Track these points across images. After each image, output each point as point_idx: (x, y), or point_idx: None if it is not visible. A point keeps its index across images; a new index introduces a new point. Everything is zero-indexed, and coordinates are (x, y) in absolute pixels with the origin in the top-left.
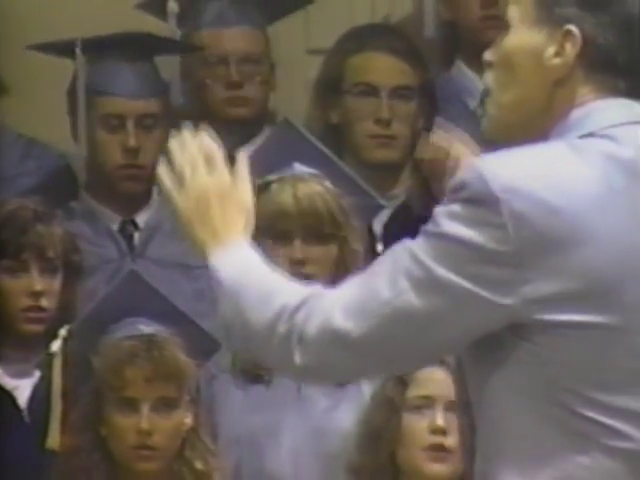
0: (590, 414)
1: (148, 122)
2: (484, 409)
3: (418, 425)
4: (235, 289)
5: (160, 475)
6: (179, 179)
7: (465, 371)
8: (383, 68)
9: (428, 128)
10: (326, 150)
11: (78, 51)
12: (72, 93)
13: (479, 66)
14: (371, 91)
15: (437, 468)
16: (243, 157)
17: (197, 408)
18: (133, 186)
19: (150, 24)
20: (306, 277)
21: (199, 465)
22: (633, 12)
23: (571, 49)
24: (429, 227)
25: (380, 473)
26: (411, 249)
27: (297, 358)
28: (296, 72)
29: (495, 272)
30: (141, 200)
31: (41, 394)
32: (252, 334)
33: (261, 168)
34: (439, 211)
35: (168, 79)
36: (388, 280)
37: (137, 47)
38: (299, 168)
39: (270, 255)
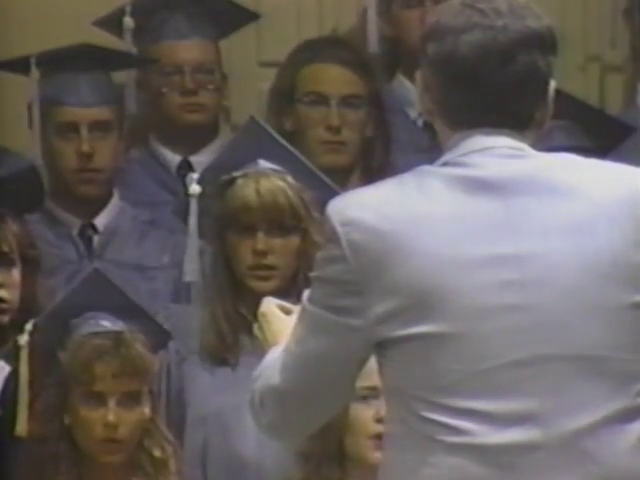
0: (433, 416)
1: (102, 128)
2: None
3: (364, 414)
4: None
5: (121, 464)
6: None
7: None
8: (333, 78)
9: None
10: (290, 147)
11: (33, 66)
12: (31, 107)
13: None
14: (322, 100)
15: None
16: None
17: (154, 399)
18: (89, 189)
19: (108, 40)
20: (268, 267)
21: (157, 453)
22: (448, 50)
23: (420, 87)
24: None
25: (327, 459)
26: (302, 300)
27: (261, 420)
28: (249, 83)
29: (348, 301)
30: (100, 204)
31: (13, 385)
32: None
33: (229, 165)
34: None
35: (123, 86)
36: (293, 333)
37: (90, 58)
38: (263, 164)
39: (235, 247)
